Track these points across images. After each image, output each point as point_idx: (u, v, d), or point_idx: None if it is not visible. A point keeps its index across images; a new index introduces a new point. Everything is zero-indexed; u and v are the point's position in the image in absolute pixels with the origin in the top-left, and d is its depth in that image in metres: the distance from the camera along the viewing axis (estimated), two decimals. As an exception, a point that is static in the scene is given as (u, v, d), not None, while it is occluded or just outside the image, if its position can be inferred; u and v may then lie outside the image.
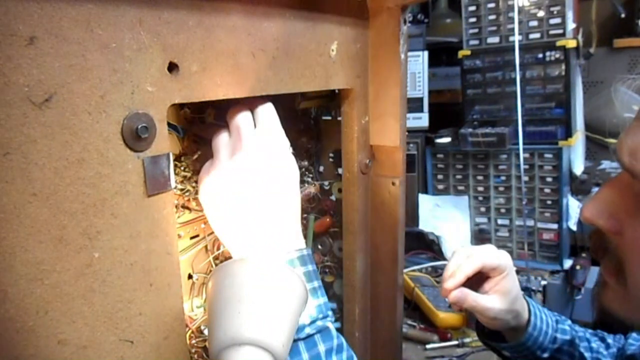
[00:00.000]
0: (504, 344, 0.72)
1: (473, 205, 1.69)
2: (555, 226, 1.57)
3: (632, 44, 1.90)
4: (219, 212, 0.45)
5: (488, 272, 0.66)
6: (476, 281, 0.67)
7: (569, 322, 0.74)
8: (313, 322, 0.43)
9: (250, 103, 0.48)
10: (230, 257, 0.60)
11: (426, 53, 1.74)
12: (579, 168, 1.72)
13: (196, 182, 0.53)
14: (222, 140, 0.47)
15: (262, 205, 0.44)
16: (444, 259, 1.56)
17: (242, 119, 0.47)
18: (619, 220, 0.42)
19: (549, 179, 1.55)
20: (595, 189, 1.89)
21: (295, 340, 0.41)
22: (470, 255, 0.66)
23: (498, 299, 0.66)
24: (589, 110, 1.89)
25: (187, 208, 0.54)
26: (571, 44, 1.49)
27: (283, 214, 0.45)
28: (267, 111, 0.48)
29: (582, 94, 1.76)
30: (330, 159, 0.70)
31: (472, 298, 0.65)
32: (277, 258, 0.43)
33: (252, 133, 0.46)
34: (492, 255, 0.66)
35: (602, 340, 0.72)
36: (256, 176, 0.44)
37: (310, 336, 0.43)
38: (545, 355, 0.70)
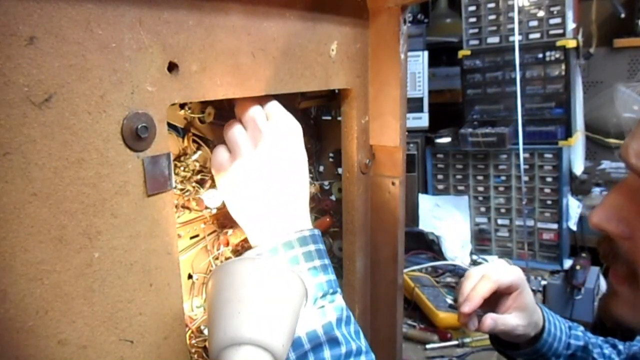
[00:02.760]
0: (519, 351, 0.72)
1: (473, 205, 1.69)
2: (555, 226, 1.57)
3: (632, 44, 1.90)
4: (242, 199, 0.48)
5: (503, 290, 0.67)
6: (491, 299, 0.67)
7: (582, 328, 0.74)
8: (324, 295, 0.45)
9: (256, 100, 0.50)
10: (230, 257, 0.60)
11: (426, 53, 1.74)
12: (579, 168, 1.72)
13: (196, 182, 0.54)
14: (239, 132, 0.49)
15: (285, 190, 0.48)
16: (444, 259, 1.56)
17: (256, 111, 0.49)
18: (628, 224, 0.41)
19: (549, 179, 1.55)
20: (595, 189, 1.89)
21: (308, 310, 0.44)
22: (483, 276, 0.66)
23: (519, 316, 0.67)
24: (589, 110, 1.89)
25: (187, 208, 0.54)
26: (571, 44, 1.49)
27: (299, 197, 0.49)
28: (275, 104, 0.51)
29: (582, 94, 1.76)
30: (330, 159, 0.70)
31: (501, 322, 0.66)
32: (292, 236, 0.46)
33: (268, 124, 0.49)
34: (505, 273, 0.67)
35: (614, 347, 0.73)
36: (280, 163, 0.47)
37: (322, 307, 0.45)
38: None
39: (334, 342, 0.44)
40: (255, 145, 0.48)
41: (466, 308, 0.64)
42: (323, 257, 0.47)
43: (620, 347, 0.73)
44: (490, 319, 0.65)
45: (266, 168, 0.47)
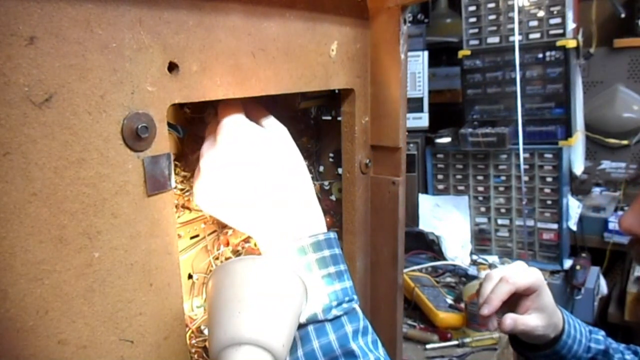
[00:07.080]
0: (539, 352, 0.73)
1: (473, 205, 1.69)
2: (555, 226, 1.57)
3: (632, 44, 1.90)
4: (225, 213, 0.45)
5: (522, 291, 0.68)
6: (511, 301, 0.68)
7: (602, 332, 0.75)
8: (339, 304, 0.43)
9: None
10: (230, 257, 0.60)
11: (426, 53, 1.74)
12: (579, 168, 1.72)
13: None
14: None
15: (281, 189, 0.44)
16: (444, 259, 1.56)
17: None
18: None
19: (549, 179, 1.55)
20: (595, 189, 1.89)
21: (322, 321, 0.42)
22: (501, 279, 0.68)
23: (539, 317, 0.68)
24: (589, 110, 1.89)
25: (187, 208, 0.54)
26: (571, 44, 1.49)
27: (303, 196, 0.46)
28: (223, 125, 0.47)
29: (582, 94, 1.77)
30: (330, 159, 0.70)
31: (521, 322, 0.67)
32: (305, 241, 0.43)
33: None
34: (523, 276, 0.68)
35: (635, 353, 0.73)
36: (254, 161, 0.44)
37: (337, 317, 0.43)
38: None
39: (350, 355, 0.42)
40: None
41: (485, 311, 0.66)
42: (338, 263, 0.45)
43: None
44: (510, 319, 0.67)
45: (237, 162, 0.44)
